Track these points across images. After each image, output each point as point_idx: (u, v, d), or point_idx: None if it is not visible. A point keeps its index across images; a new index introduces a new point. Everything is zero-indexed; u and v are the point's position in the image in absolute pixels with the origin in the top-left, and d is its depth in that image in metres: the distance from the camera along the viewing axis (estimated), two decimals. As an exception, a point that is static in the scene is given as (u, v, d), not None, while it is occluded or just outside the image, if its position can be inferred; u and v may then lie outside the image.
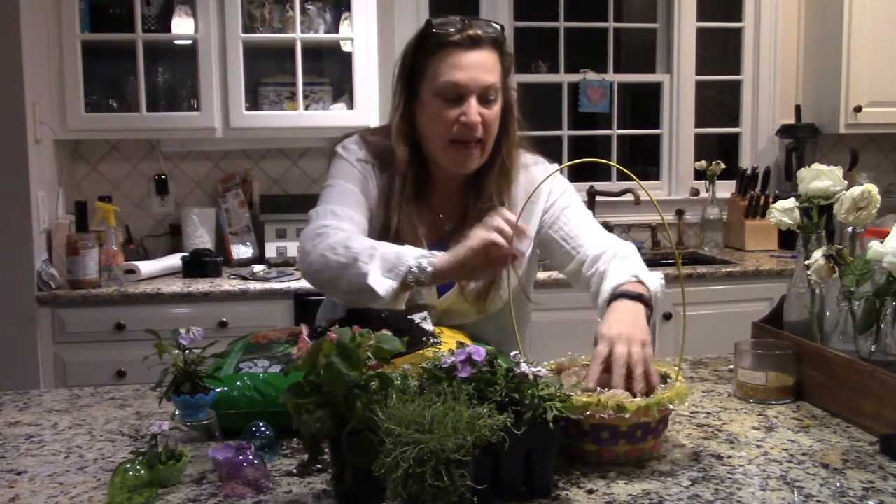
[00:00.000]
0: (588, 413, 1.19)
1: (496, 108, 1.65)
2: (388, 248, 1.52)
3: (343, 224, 1.62)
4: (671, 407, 1.24)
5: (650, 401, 1.22)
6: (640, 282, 1.57)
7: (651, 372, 1.33)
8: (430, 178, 1.72)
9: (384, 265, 1.49)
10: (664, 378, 1.35)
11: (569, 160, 3.92)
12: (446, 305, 1.70)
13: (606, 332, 1.40)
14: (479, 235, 1.43)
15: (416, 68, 1.66)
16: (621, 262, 1.63)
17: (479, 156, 1.66)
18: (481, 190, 1.71)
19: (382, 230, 1.67)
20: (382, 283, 1.48)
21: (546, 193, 1.77)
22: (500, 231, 1.41)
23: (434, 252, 1.52)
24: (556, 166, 1.80)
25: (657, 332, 3.24)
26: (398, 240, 1.63)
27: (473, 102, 1.61)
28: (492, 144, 1.67)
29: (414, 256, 1.50)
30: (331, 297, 1.64)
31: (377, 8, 3.30)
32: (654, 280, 1.61)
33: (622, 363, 1.33)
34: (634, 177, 1.35)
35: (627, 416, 1.20)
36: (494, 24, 1.67)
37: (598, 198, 3.78)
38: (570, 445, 1.24)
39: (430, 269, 1.48)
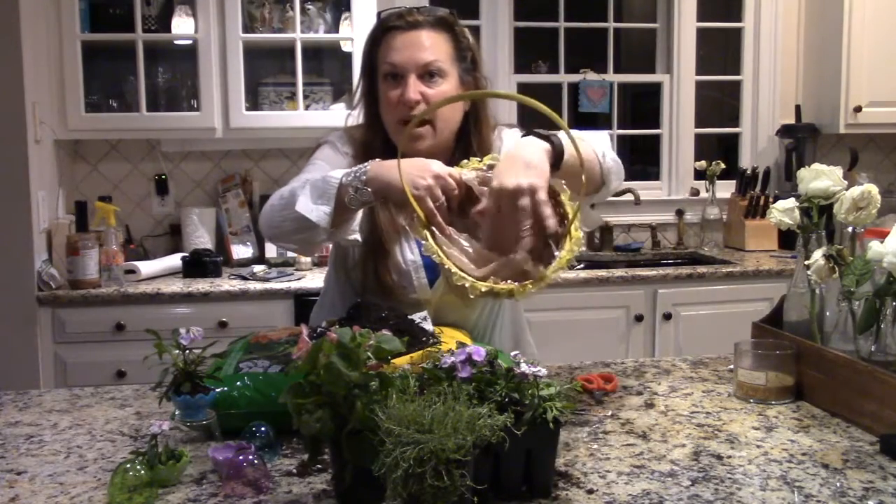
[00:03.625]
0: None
1: (443, 86, 1.65)
2: (317, 175, 1.52)
3: None
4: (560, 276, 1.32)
5: (540, 283, 1.29)
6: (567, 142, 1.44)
7: (544, 215, 1.31)
8: None
9: (314, 192, 1.49)
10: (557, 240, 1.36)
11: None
12: (437, 297, 1.70)
13: (494, 184, 1.35)
14: (424, 188, 1.37)
15: (371, 61, 1.70)
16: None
17: (430, 135, 1.65)
18: None
19: (367, 234, 1.67)
20: (314, 210, 1.47)
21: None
22: (435, 190, 1.37)
23: (360, 167, 1.48)
24: (516, 131, 1.77)
25: (657, 331, 3.25)
26: (380, 236, 1.66)
27: (411, 81, 1.63)
28: (443, 125, 1.67)
29: (342, 177, 1.47)
30: (283, 246, 1.66)
31: (377, 8, 3.30)
32: (594, 142, 1.59)
33: (511, 222, 1.33)
34: (559, 120, 1.28)
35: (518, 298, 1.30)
36: (441, 10, 1.69)
37: (598, 198, 3.78)
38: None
39: (367, 190, 1.44)
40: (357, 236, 1.58)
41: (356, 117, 1.77)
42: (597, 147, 1.61)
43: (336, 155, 1.73)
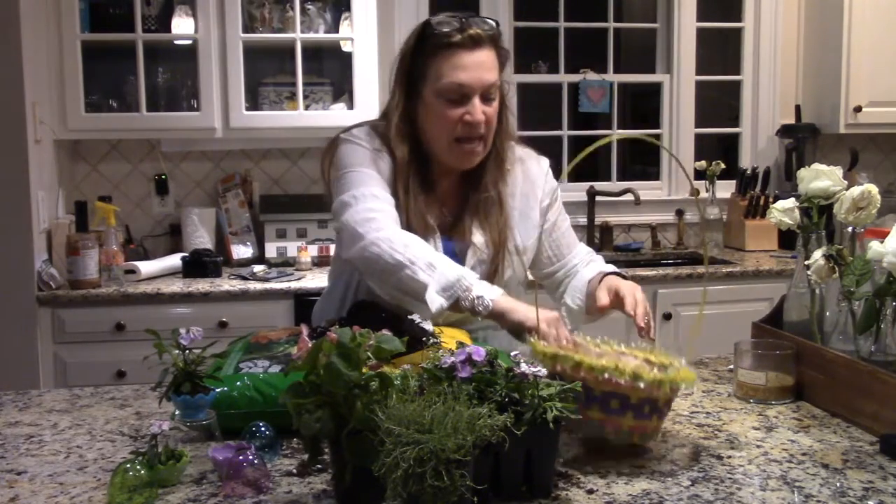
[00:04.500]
0: (604, 377, 1.19)
1: (496, 104, 1.69)
2: (448, 267, 1.56)
3: (388, 208, 1.65)
4: (682, 387, 1.24)
5: (664, 376, 1.22)
6: (617, 272, 1.79)
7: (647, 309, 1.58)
8: (431, 172, 1.75)
9: (442, 282, 1.54)
10: (666, 366, 1.35)
11: (568, 160, 3.92)
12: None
13: (621, 284, 1.63)
14: (544, 320, 1.47)
15: (416, 69, 1.68)
16: (600, 263, 1.86)
17: (482, 151, 1.70)
18: (478, 181, 1.76)
19: None
20: (436, 300, 1.52)
21: (541, 188, 1.84)
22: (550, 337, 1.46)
23: (493, 288, 1.57)
24: (545, 159, 1.88)
25: (657, 332, 3.24)
26: (410, 231, 1.66)
27: (477, 102, 1.65)
28: (492, 138, 1.72)
29: (474, 285, 1.54)
30: (369, 282, 1.68)
31: (377, 8, 3.30)
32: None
33: (643, 302, 1.58)
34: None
35: (642, 385, 1.19)
36: (490, 21, 1.70)
37: (598, 198, 3.78)
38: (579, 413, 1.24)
39: (490, 305, 1.53)
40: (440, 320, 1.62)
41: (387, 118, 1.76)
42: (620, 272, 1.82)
43: (372, 155, 1.72)
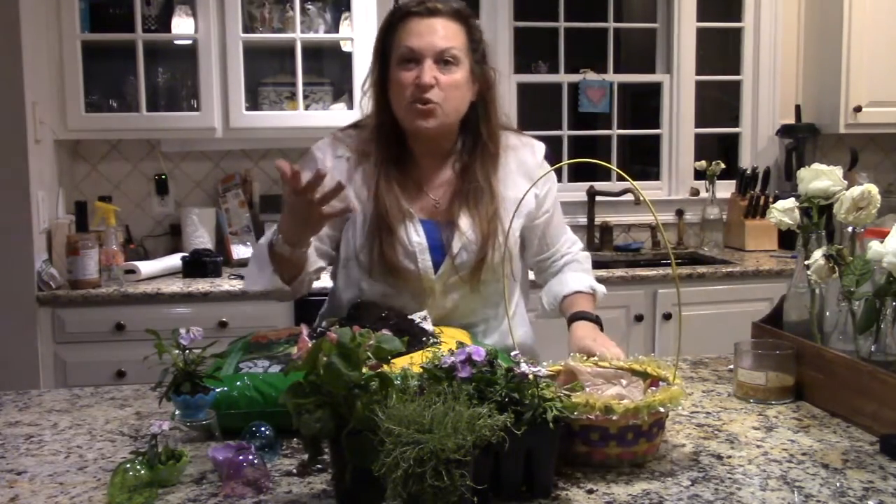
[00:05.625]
0: (576, 414, 1.18)
1: (456, 75, 1.69)
2: (256, 248, 1.72)
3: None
4: (662, 410, 1.21)
5: (639, 403, 1.20)
6: (594, 290, 1.87)
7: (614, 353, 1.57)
8: (411, 155, 1.77)
9: (256, 264, 1.68)
10: (660, 380, 1.34)
11: (568, 160, 3.92)
12: (442, 283, 1.73)
13: (591, 343, 1.62)
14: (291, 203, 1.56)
15: (385, 47, 1.74)
16: (580, 271, 1.90)
17: (439, 116, 1.69)
18: (467, 172, 1.76)
19: (373, 215, 1.71)
20: (260, 280, 1.66)
21: (538, 179, 1.82)
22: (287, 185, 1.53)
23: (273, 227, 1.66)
24: (541, 145, 1.89)
25: (657, 331, 3.25)
26: (386, 216, 1.70)
27: (427, 65, 1.67)
28: (452, 109, 1.71)
29: (267, 238, 1.66)
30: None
31: (377, 8, 3.29)
32: (601, 288, 1.90)
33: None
34: (629, 179, 1.35)
35: (615, 417, 1.18)
36: (459, 1, 1.75)
37: (597, 198, 3.78)
38: (562, 447, 1.23)
39: (281, 237, 1.60)
40: (322, 263, 1.73)
41: (366, 105, 1.79)
42: (596, 288, 1.90)
43: (316, 166, 1.74)
